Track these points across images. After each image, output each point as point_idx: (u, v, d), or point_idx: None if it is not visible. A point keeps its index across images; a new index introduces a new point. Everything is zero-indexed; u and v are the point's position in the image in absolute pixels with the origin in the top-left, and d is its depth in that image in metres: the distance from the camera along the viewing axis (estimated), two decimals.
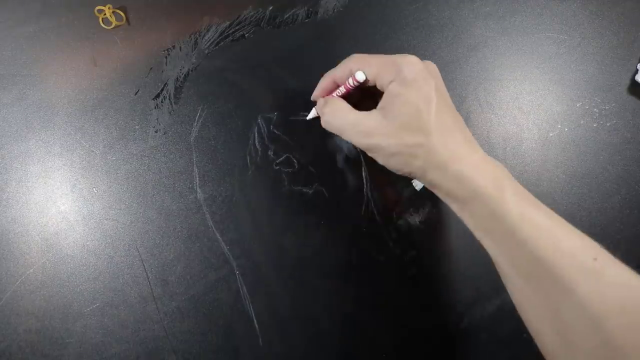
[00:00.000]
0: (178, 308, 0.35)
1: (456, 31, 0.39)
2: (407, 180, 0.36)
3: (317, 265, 0.36)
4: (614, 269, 0.24)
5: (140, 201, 0.36)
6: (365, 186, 0.36)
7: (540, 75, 0.39)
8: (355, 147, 0.36)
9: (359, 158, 0.37)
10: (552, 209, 0.35)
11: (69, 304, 0.34)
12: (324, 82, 0.32)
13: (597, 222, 0.37)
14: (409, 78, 0.27)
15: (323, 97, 0.32)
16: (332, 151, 0.37)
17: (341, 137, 0.30)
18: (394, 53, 0.38)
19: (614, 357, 0.22)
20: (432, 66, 0.29)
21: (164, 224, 0.35)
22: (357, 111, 0.29)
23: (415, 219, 0.36)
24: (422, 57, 0.39)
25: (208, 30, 0.38)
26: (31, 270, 0.35)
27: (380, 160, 0.29)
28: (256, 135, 0.37)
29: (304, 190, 0.36)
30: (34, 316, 0.34)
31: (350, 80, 0.30)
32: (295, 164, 0.36)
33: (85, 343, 0.34)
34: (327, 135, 0.36)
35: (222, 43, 0.38)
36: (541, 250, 0.24)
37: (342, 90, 0.31)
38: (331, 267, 0.36)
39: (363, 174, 0.36)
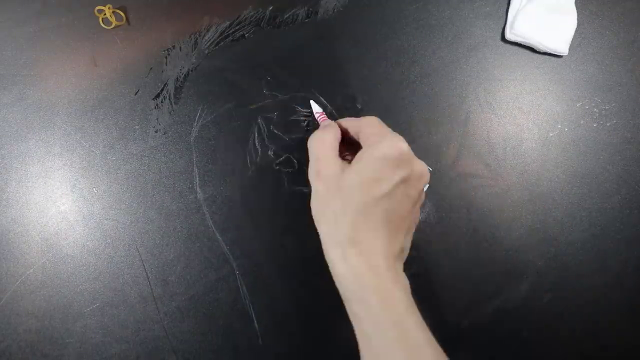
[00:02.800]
0: (178, 308, 0.35)
1: (456, 31, 0.39)
2: None
3: (317, 265, 0.35)
4: None
5: (140, 201, 0.36)
6: None
7: (540, 75, 0.39)
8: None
9: None
10: (552, 209, 0.35)
11: (69, 304, 0.34)
12: (342, 122, 0.32)
13: (597, 222, 0.37)
14: (375, 155, 0.27)
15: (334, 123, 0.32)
16: None
17: None
18: (394, 53, 0.38)
19: None
20: (419, 167, 0.28)
21: (164, 224, 0.35)
22: (331, 152, 0.29)
23: None
24: (422, 57, 0.39)
25: (208, 30, 0.38)
26: (31, 270, 0.35)
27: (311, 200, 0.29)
28: (256, 135, 0.37)
29: (304, 190, 0.36)
30: (34, 316, 0.34)
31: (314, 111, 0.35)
32: (295, 164, 0.36)
33: (85, 343, 0.34)
34: None
35: (222, 43, 0.38)
36: None
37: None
38: None
39: None
